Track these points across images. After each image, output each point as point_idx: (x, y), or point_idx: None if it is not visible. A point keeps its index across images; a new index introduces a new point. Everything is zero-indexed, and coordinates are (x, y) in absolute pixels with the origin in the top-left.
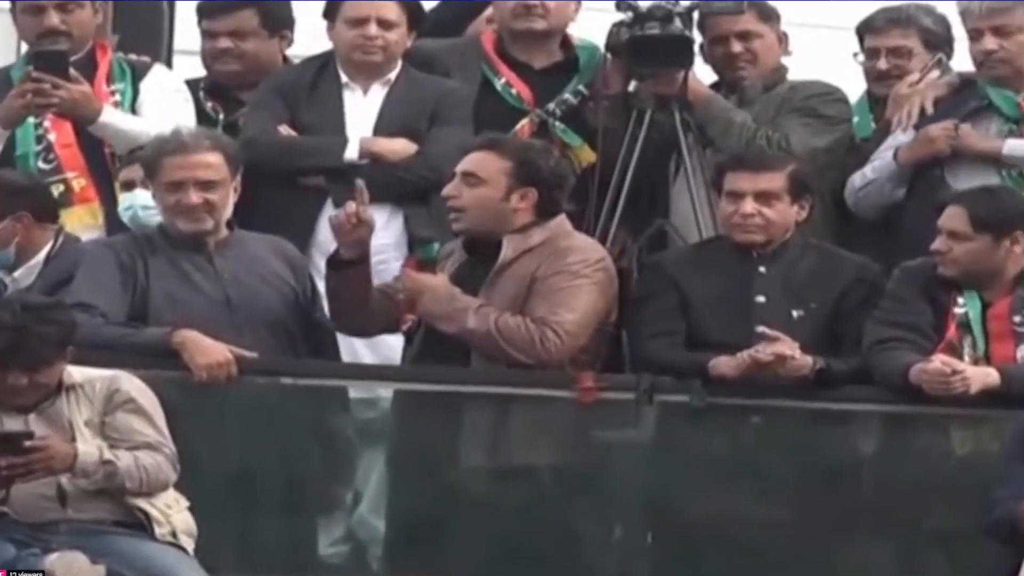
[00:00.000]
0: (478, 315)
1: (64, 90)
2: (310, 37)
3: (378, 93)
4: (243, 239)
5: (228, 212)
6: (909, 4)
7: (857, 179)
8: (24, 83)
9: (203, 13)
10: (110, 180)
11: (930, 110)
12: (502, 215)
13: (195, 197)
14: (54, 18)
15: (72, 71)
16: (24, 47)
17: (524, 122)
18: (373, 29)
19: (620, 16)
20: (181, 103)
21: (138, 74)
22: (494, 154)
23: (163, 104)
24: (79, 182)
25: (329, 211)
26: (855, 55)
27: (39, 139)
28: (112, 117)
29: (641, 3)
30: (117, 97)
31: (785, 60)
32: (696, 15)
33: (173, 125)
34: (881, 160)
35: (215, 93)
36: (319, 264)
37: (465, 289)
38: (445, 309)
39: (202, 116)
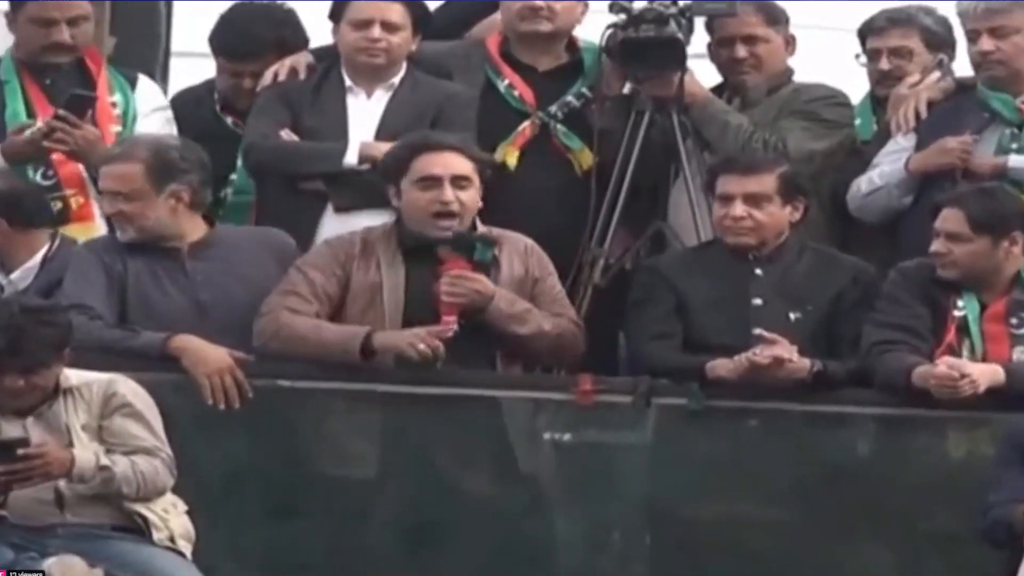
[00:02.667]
0: (542, 316)
1: (82, 132)
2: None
3: (382, 97)
4: (224, 238)
5: (158, 221)
6: (910, 4)
7: (863, 184)
8: (24, 126)
9: (224, 53)
10: None
11: (923, 112)
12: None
13: (107, 207)
14: (64, 33)
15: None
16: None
17: (526, 124)
18: (377, 31)
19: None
20: (163, 123)
21: (131, 84)
22: (460, 155)
23: (146, 125)
24: (77, 200)
25: (329, 215)
26: (856, 56)
27: None
28: None
29: (635, 4)
30: (118, 111)
31: (790, 62)
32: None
33: None
34: (890, 167)
35: (231, 109)
36: None
37: None
38: (517, 310)
39: (220, 126)
